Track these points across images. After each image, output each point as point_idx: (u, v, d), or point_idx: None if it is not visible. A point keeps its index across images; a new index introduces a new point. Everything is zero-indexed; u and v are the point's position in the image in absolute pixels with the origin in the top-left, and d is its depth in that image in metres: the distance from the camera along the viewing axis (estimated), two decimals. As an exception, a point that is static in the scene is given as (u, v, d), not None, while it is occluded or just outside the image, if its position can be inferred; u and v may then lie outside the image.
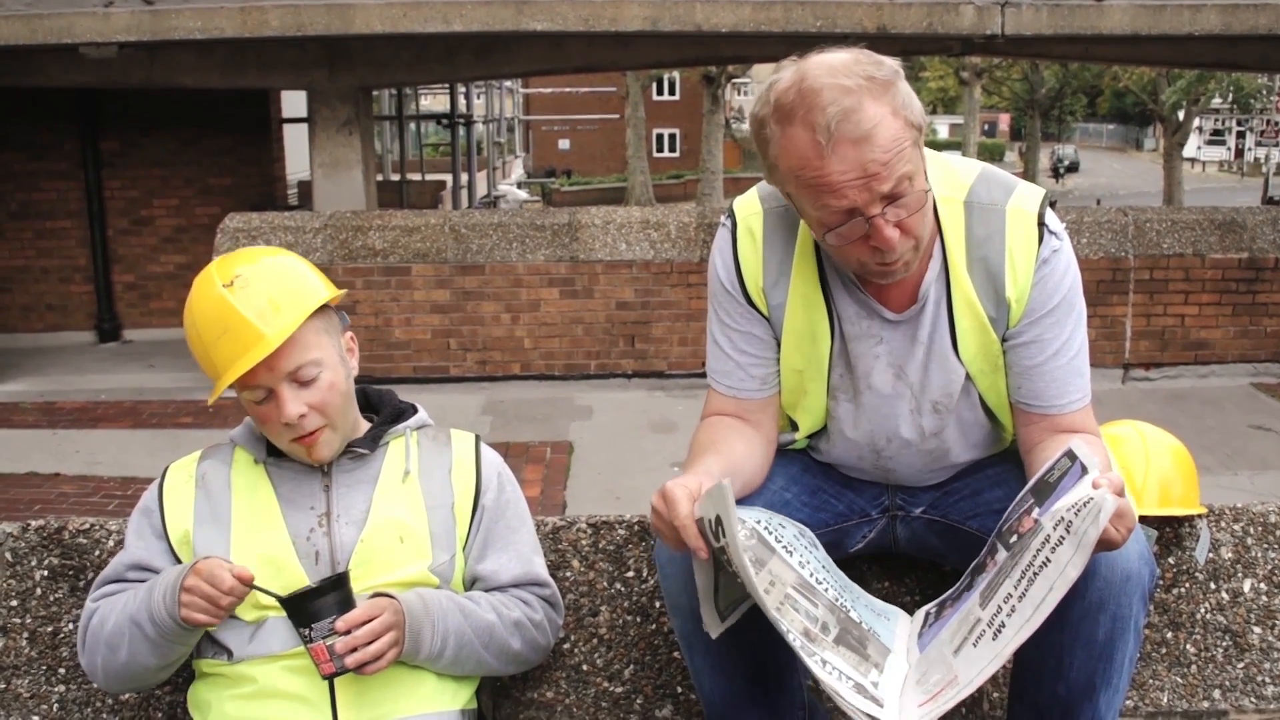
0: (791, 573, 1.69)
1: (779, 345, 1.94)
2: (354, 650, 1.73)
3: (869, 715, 1.54)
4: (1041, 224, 1.83)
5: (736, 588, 1.67)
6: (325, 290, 1.87)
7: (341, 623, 1.72)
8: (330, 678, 1.75)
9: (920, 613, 1.81)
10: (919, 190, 1.68)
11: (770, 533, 1.72)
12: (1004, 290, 1.83)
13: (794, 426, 2.04)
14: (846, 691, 1.56)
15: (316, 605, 1.72)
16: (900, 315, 1.87)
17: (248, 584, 1.76)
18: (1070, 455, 1.65)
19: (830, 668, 1.58)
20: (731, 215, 1.95)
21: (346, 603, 1.74)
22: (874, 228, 1.67)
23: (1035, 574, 1.52)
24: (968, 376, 1.90)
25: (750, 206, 1.93)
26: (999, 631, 1.54)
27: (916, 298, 1.85)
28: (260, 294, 1.80)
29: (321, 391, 1.83)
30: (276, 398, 1.80)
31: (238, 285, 1.80)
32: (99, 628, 1.87)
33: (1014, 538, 1.61)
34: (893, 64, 1.67)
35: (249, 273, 1.82)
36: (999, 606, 1.55)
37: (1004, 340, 1.87)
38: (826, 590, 1.71)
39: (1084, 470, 1.59)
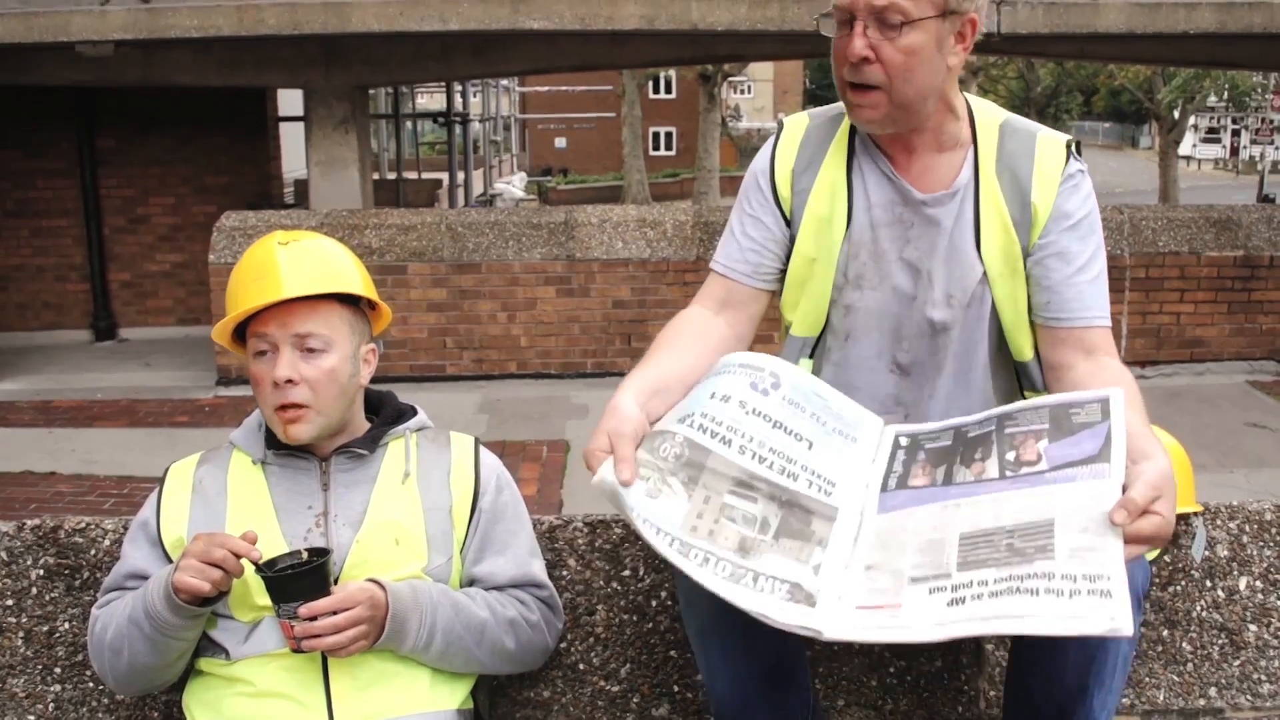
0: (730, 468, 1.59)
1: (789, 244, 2.01)
2: (311, 636, 1.72)
3: (802, 625, 1.49)
4: (1068, 150, 1.94)
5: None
6: (362, 288, 1.94)
7: (305, 609, 1.71)
8: (296, 651, 1.76)
9: (890, 432, 1.74)
10: (910, 38, 1.78)
11: (705, 429, 1.60)
12: (1029, 194, 1.91)
13: (800, 353, 2.05)
14: (776, 608, 1.50)
15: (286, 588, 1.72)
16: (927, 195, 1.93)
17: (250, 542, 1.73)
18: (1104, 409, 1.54)
19: (763, 580, 1.52)
20: (780, 125, 2.08)
21: (318, 588, 1.73)
22: (850, 35, 1.79)
23: (1016, 589, 1.41)
24: (985, 276, 1.94)
25: (799, 119, 2.07)
26: (957, 604, 1.43)
27: (950, 185, 1.93)
28: (305, 262, 1.88)
29: (320, 370, 1.86)
30: (276, 355, 1.84)
31: (291, 247, 1.90)
32: (102, 635, 1.89)
33: (1011, 453, 1.55)
34: None
35: (309, 244, 1.93)
36: (971, 580, 1.44)
37: (1029, 255, 1.93)
38: (770, 468, 1.61)
39: (1109, 439, 1.49)
